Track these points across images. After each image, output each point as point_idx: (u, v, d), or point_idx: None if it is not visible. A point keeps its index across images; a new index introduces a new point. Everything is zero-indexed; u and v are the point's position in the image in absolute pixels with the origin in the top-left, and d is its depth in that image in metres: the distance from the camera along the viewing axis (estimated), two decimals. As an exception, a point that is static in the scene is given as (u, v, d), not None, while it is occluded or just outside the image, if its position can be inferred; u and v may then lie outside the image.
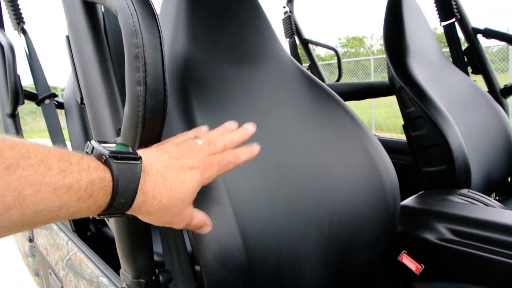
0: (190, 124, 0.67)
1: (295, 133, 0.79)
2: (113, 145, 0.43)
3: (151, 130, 0.48)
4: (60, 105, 1.49)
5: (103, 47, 0.58)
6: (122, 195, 0.40)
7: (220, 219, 0.60)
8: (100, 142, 0.43)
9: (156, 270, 0.60)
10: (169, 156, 0.47)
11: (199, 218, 0.53)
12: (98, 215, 0.41)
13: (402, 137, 1.59)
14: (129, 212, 0.43)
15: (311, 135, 0.80)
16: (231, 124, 0.58)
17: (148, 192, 0.43)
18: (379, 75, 9.69)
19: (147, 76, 0.45)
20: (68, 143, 1.38)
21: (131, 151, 0.43)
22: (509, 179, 1.54)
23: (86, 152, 0.42)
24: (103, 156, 0.40)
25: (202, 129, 0.59)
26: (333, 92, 0.89)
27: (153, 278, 0.59)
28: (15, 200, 0.32)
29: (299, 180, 0.74)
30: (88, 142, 0.43)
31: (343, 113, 0.86)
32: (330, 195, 0.76)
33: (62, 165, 0.36)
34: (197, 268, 0.60)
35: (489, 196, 1.22)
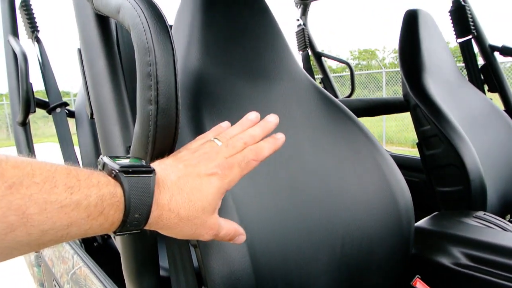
0: None
1: (309, 151, 0.77)
2: (126, 160, 0.41)
3: (162, 149, 0.47)
4: (71, 114, 1.49)
5: (115, 62, 0.57)
6: (136, 210, 0.38)
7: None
8: (112, 157, 0.41)
9: None
10: (185, 165, 0.44)
11: (228, 228, 0.48)
12: (114, 233, 0.39)
13: (413, 151, 1.56)
14: (147, 228, 0.41)
15: (324, 154, 0.78)
16: (251, 115, 0.54)
17: (164, 205, 0.41)
18: (391, 88, 9.64)
19: (159, 95, 0.44)
20: (78, 153, 1.38)
21: (143, 164, 0.41)
22: None
23: (99, 169, 0.41)
24: (113, 171, 0.38)
25: (224, 125, 0.55)
26: (346, 109, 0.87)
27: None
28: (19, 220, 0.31)
29: (311, 200, 0.72)
30: (100, 157, 0.41)
31: (357, 131, 0.84)
32: (343, 216, 0.74)
33: (69, 182, 0.34)
34: None
35: (504, 217, 1.18)
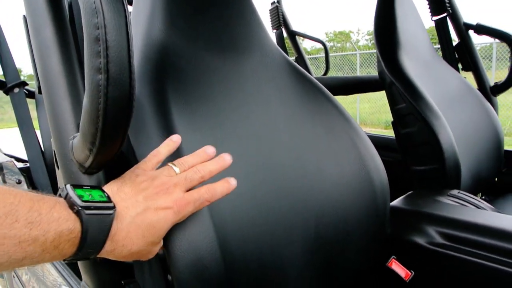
0: (165, 118, 0.60)
1: (282, 128, 0.73)
2: (88, 190, 0.42)
3: (115, 126, 0.41)
4: (31, 95, 1.40)
5: (65, 29, 0.51)
6: (90, 246, 0.40)
7: (195, 225, 0.53)
8: (75, 187, 0.42)
9: (122, 282, 0.54)
10: (144, 197, 0.45)
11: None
12: (64, 260, 0.41)
13: (386, 132, 1.54)
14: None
15: (299, 131, 0.75)
16: (209, 150, 0.55)
17: (118, 241, 0.42)
18: (365, 70, 9.69)
19: (109, 63, 0.38)
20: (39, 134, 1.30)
21: (105, 199, 0.42)
22: (496, 179, 1.52)
23: (60, 195, 0.41)
24: (75, 207, 0.39)
25: (174, 139, 0.55)
26: (321, 85, 0.83)
27: None
28: None
29: (285, 178, 0.69)
30: (64, 186, 0.42)
31: (332, 108, 0.81)
32: (317, 196, 0.71)
33: (30, 216, 0.35)
34: (170, 278, 0.54)
35: (476, 195, 1.18)
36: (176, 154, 0.56)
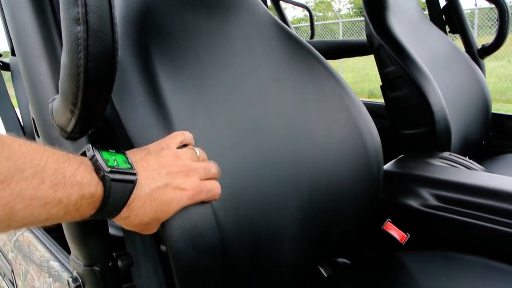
0: (151, 81, 0.57)
1: (272, 91, 0.70)
2: (113, 154, 0.42)
3: (97, 83, 0.38)
4: (6, 67, 1.33)
5: None
6: (108, 210, 0.40)
7: None
8: (101, 149, 0.41)
9: (114, 254, 0.51)
10: (167, 173, 0.46)
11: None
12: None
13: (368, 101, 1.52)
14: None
15: (289, 94, 0.72)
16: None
17: (133, 210, 0.43)
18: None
19: (88, 13, 0.34)
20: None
21: (129, 166, 0.42)
22: (483, 142, 1.53)
23: (83, 154, 0.41)
24: (101, 171, 0.39)
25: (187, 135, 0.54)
26: (310, 46, 0.80)
27: (110, 264, 0.50)
28: (4, 215, 0.32)
29: (276, 143, 0.66)
30: (90, 146, 0.41)
31: (324, 70, 0.78)
32: (310, 159, 0.69)
33: (55, 178, 0.35)
34: (163, 248, 0.52)
35: (464, 158, 1.18)
36: (165, 118, 0.53)
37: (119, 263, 0.51)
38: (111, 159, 0.41)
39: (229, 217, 0.56)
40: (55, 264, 0.65)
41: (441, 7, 1.57)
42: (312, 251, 0.71)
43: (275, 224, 0.64)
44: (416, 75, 1.12)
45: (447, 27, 1.58)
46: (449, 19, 1.55)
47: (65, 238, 0.54)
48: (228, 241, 0.55)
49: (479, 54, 1.53)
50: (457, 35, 1.59)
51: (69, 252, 0.58)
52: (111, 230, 0.54)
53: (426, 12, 1.62)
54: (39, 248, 0.72)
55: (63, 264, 0.64)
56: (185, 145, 0.52)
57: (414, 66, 1.14)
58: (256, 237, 0.61)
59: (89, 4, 0.34)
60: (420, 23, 1.39)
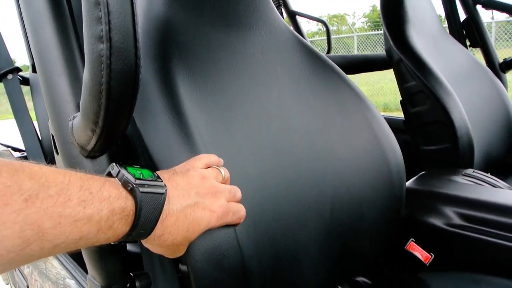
0: (172, 98, 0.56)
1: (293, 108, 0.69)
2: (138, 169, 0.41)
3: (120, 102, 0.37)
4: (26, 81, 1.34)
5: None
6: (143, 225, 0.39)
7: None
8: (122, 165, 0.41)
9: (131, 274, 0.50)
10: (196, 193, 0.45)
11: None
12: (113, 243, 0.40)
13: (384, 114, 1.49)
14: (143, 243, 0.43)
15: (310, 111, 0.70)
16: None
17: (167, 227, 0.42)
18: (362, 53, 9.59)
19: (111, 30, 0.34)
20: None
21: (155, 178, 0.41)
22: (506, 157, 1.48)
23: (109, 174, 0.41)
24: (129, 184, 0.38)
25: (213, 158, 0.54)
26: (331, 62, 0.79)
27: (128, 285, 0.49)
28: (34, 234, 0.31)
29: (297, 161, 0.65)
30: (114, 164, 0.41)
31: (345, 86, 0.77)
32: (331, 178, 0.67)
33: (82, 195, 0.34)
34: (183, 268, 0.51)
35: (486, 175, 1.15)
36: (187, 136, 0.52)
37: (137, 283, 0.49)
38: (136, 173, 0.40)
39: (250, 237, 0.55)
40: (71, 282, 0.64)
41: (461, 20, 1.55)
42: (332, 271, 0.69)
43: (295, 243, 0.62)
44: (438, 90, 1.10)
45: (467, 40, 1.55)
46: (470, 32, 1.52)
47: (81, 255, 0.53)
48: (249, 260, 0.54)
49: (500, 68, 1.49)
50: (477, 49, 1.56)
51: (85, 270, 0.57)
52: (128, 246, 0.53)
53: (445, 25, 1.60)
54: (55, 265, 0.71)
55: (80, 283, 0.63)
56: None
57: (435, 80, 1.11)
58: (276, 256, 0.59)
59: (113, 22, 0.34)
60: (440, 36, 1.37)
